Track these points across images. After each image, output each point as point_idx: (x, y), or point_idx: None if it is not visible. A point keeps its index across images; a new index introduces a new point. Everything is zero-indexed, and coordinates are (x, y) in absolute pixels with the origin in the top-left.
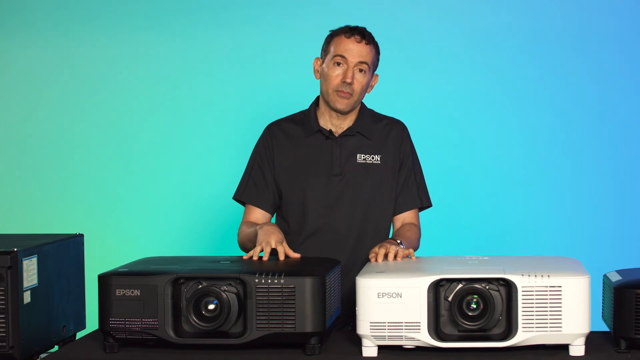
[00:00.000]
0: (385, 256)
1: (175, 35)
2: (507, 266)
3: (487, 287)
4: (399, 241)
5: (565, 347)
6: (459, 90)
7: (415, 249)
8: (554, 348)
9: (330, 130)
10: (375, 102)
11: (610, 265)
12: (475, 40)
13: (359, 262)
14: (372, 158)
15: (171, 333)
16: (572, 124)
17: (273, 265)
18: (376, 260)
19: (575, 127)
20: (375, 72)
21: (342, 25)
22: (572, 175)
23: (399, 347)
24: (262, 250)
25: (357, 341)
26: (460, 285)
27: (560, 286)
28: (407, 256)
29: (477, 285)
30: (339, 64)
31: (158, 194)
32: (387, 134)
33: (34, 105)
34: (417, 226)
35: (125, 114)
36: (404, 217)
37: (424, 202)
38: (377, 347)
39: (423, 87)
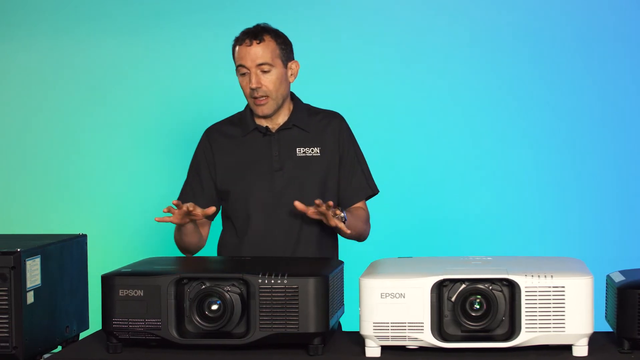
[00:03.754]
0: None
1: (178, 36)
2: (511, 266)
3: (491, 287)
4: (340, 209)
5: (568, 348)
6: (461, 90)
7: (363, 230)
8: (557, 348)
9: (267, 127)
10: (375, 100)
11: (614, 266)
12: (480, 40)
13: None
14: (312, 150)
15: (174, 333)
16: (576, 123)
17: (276, 266)
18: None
19: (579, 127)
20: (294, 59)
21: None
22: (575, 175)
23: (402, 348)
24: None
25: (360, 341)
26: (463, 286)
27: (563, 287)
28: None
29: (480, 286)
30: (243, 73)
31: (161, 195)
32: (325, 127)
33: (37, 106)
34: (365, 209)
35: (129, 114)
36: (352, 208)
37: (373, 190)
38: (380, 348)
39: (426, 86)
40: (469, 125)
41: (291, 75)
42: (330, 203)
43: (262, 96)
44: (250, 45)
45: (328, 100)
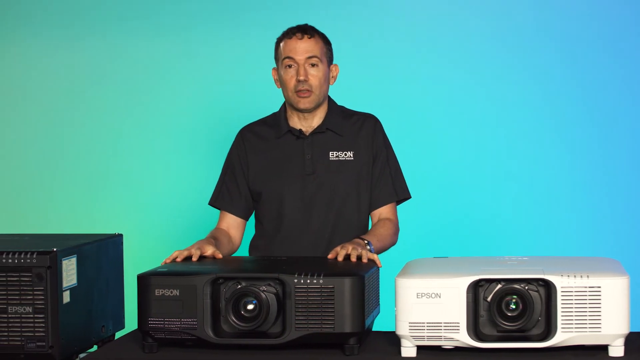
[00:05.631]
0: (348, 256)
1: (215, 36)
2: (547, 266)
3: (527, 287)
4: (366, 241)
5: (604, 348)
6: (492, 90)
7: (390, 244)
8: (593, 349)
9: (300, 130)
10: (405, 101)
11: None
12: (510, 41)
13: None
14: (345, 154)
15: (210, 333)
16: (609, 123)
17: (312, 266)
18: (335, 259)
19: (612, 126)
20: (334, 62)
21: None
22: (610, 175)
23: (438, 348)
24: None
25: (396, 341)
26: (499, 286)
27: (599, 287)
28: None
29: (517, 286)
30: (290, 66)
31: (197, 194)
32: (358, 129)
33: (73, 106)
34: (393, 221)
35: (164, 114)
36: (380, 213)
37: (399, 195)
38: (416, 348)
39: (457, 87)
40: (501, 125)
41: (332, 77)
42: (348, 253)
43: (307, 89)
44: (302, 38)
45: (358, 100)
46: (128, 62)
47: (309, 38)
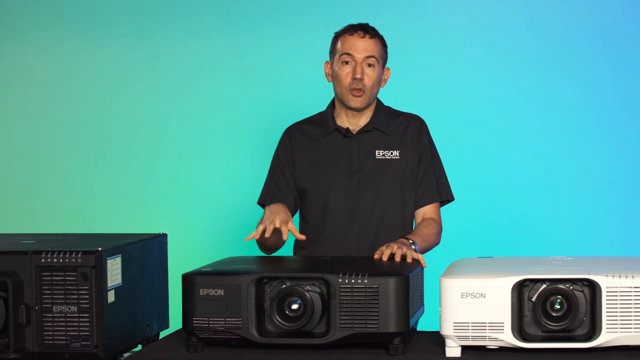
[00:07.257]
0: (392, 256)
1: (261, 36)
2: (591, 267)
3: (571, 287)
4: (411, 241)
5: None
6: (538, 90)
7: (434, 244)
8: (638, 349)
9: (348, 128)
10: (451, 100)
11: None
12: (555, 40)
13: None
14: (391, 153)
15: (255, 333)
16: None
17: (357, 266)
18: (380, 258)
19: None
20: (387, 66)
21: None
22: None
23: (483, 348)
24: (264, 230)
25: (440, 341)
26: (544, 286)
27: None
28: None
29: (561, 286)
30: (347, 62)
31: (242, 194)
32: (405, 129)
33: (118, 105)
34: (437, 221)
35: (209, 114)
36: (424, 212)
37: (443, 197)
38: (460, 348)
39: (502, 86)
40: (546, 124)
41: (384, 79)
42: (393, 252)
43: (360, 89)
44: (363, 37)
45: (401, 100)
46: (171, 62)
47: (370, 38)
